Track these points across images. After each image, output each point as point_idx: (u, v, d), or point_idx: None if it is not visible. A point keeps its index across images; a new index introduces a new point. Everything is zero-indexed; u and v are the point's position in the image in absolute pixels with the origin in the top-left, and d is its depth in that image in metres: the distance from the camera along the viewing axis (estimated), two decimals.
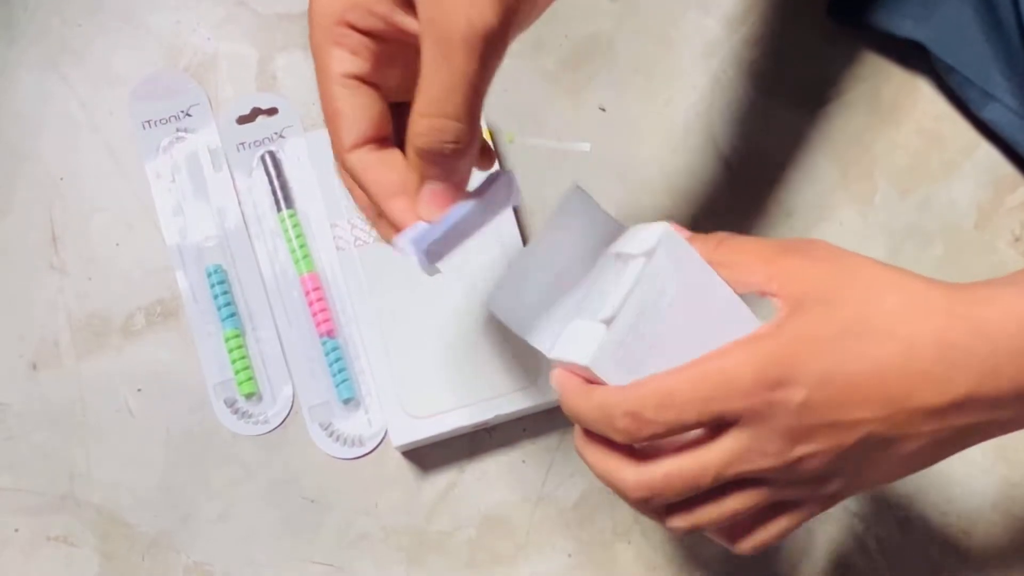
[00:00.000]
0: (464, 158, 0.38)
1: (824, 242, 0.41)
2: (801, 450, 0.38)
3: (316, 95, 0.60)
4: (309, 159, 0.59)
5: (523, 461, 0.59)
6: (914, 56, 0.62)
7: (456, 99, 0.35)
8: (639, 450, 0.40)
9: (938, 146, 0.62)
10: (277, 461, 0.58)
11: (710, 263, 0.41)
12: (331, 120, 0.39)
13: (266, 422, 0.58)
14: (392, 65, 0.39)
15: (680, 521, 0.41)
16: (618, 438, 0.39)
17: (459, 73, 0.35)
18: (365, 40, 0.38)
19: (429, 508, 0.58)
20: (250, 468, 0.58)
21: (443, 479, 0.58)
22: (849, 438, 0.38)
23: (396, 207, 0.39)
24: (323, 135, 0.59)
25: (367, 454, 0.58)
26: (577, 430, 0.42)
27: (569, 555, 0.58)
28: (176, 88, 0.61)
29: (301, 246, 0.60)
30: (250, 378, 0.58)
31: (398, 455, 0.58)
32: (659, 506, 0.40)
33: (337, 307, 0.59)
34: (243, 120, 0.61)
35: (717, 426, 0.39)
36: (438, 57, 0.35)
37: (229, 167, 0.61)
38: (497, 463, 0.59)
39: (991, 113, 0.60)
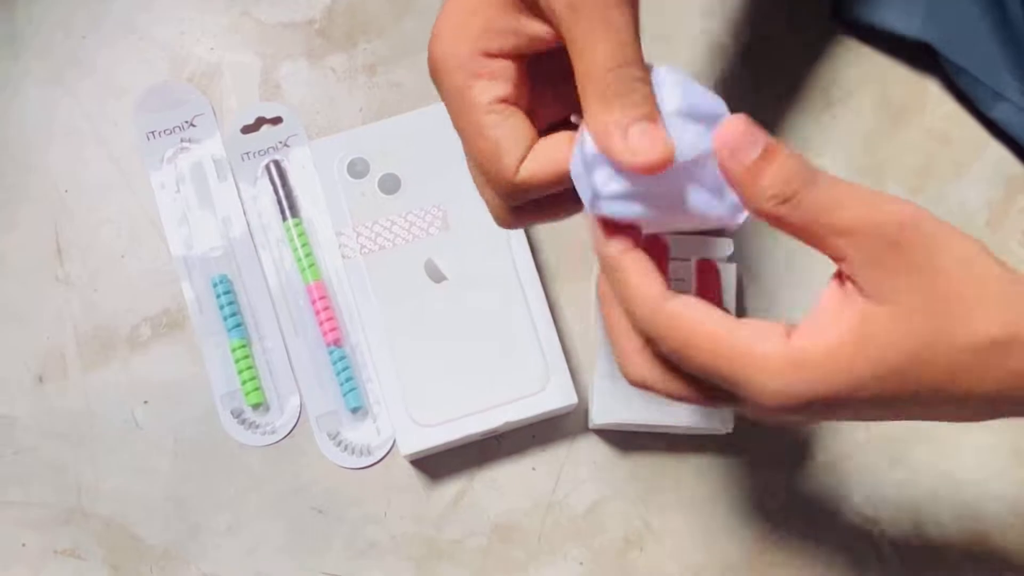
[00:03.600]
0: (649, 100, 0.36)
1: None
2: None
3: (320, 104, 0.62)
4: (314, 168, 0.59)
5: (533, 468, 0.58)
6: (922, 56, 0.61)
7: (625, 52, 0.36)
8: None
9: (947, 146, 0.62)
10: (285, 471, 0.58)
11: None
12: (489, 154, 0.37)
13: (273, 432, 0.58)
14: (533, 84, 0.38)
15: None
16: None
17: (613, 31, 0.35)
18: (504, 63, 0.37)
19: (439, 517, 0.58)
20: (258, 479, 0.58)
21: (453, 487, 0.58)
22: None
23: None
24: (327, 143, 0.59)
25: (376, 463, 0.58)
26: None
27: (581, 563, 0.57)
28: (180, 98, 0.61)
29: (307, 255, 0.59)
30: (257, 388, 0.58)
31: (407, 464, 0.58)
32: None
33: (344, 316, 0.59)
34: (247, 129, 0.61)
35: None
36: (591, 26, 0.35)
37: (234, 177, 0.61)
38: (507, 471, 0.58)
39: (1001, 112, 0.59)
